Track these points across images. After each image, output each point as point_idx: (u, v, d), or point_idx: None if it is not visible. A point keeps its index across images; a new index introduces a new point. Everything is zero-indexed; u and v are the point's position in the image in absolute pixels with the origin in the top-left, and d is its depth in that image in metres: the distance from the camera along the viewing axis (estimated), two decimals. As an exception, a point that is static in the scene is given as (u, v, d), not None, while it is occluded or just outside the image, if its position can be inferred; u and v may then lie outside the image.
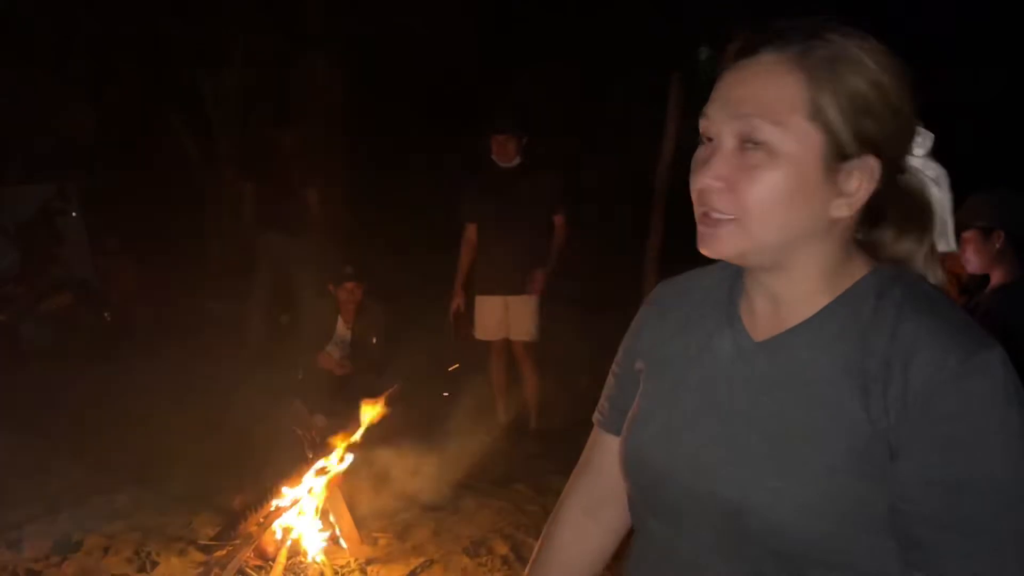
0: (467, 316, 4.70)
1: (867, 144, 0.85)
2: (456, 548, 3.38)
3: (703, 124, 0.89)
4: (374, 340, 4.71)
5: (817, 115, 0.83)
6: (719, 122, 0.87)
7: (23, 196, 7.81)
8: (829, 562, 0.85)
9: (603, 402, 1.15)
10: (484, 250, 4.58)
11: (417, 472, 3.81)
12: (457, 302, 4.69)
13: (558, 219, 4.54)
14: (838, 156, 0.84)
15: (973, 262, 2.60)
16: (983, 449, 0.79)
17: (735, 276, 0.99)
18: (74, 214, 8.01)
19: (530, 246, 4.46)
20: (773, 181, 0.84)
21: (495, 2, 8.32)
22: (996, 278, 2.60)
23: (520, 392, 4.60)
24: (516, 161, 4.46)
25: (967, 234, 2.58)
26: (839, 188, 0.85)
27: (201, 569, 3.13)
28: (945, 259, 1.04)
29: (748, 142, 0.85)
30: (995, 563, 0.79)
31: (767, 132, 0.83)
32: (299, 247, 5.75)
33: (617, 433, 1.07)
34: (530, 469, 4.12)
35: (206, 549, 3.31)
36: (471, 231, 4.61)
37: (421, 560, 3.29)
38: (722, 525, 0.90)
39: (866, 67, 0.84)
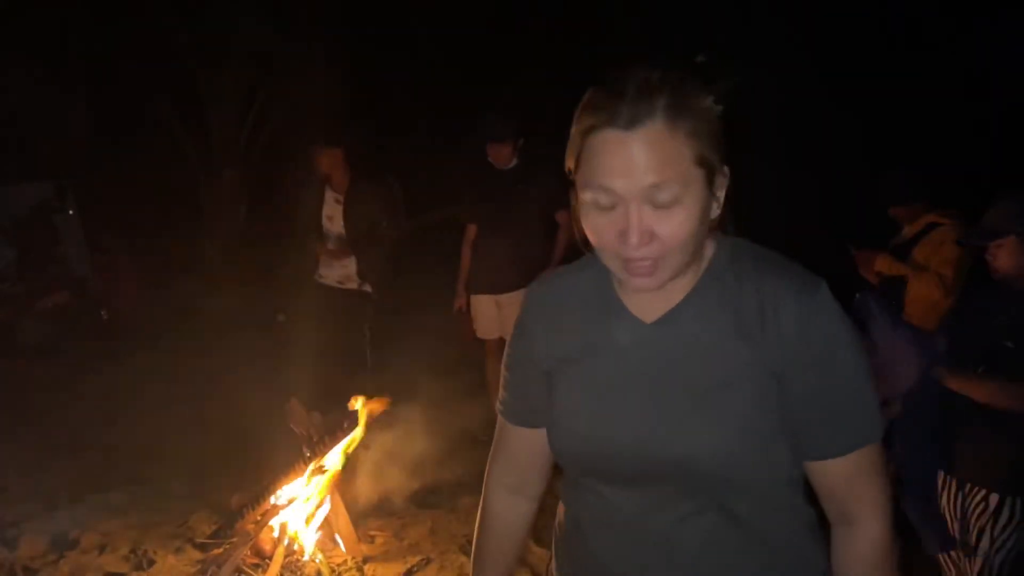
0: (469, 316, 4.72)
1: (723, 158, 1.07)
2: (453, 546, 3.39)
3: (602, 196, 1.03)
4: (385, 224, 4.66)
5: (702, 159, 1.03)
6: (630, 191, 1.01)
7: (21, 195, 7.80)
8: (747, 488, 1.12)
9: (507, 397, 1.32)
10: (478, 251, 4.61)
11: (414, 471, 3.82)
12: (459, 303, 4.72)
13: (561, 217, 4.54)
14: (712, 176, 1.06)
15: (1007, 266, 2.48)
16: (841, 357, 1.08)
17: (596, 276, 1.19)
18: (71, 212, 8.00)
19: (522, 246, 4.46)
20: (686, 221, 1.03)
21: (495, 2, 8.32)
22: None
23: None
24: (513, 163, 4.47)
25: (1002, 240, 2.45)
26: (715, 197, 1.08)
27: (198, 567, 3.14)
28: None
29: (660, 201, 1.02)
30: (853, 421, 1.11)
31: (677, 192, 1.02)
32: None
33: (523, 425, 1.30)
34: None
35: (203, 547, 3.32)
36: (471, 231, 4.64)
37: (418, 559, 3.30)
38: (674, 475, 1.12)
39: (709, 107, 1.04)
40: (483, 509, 1.38)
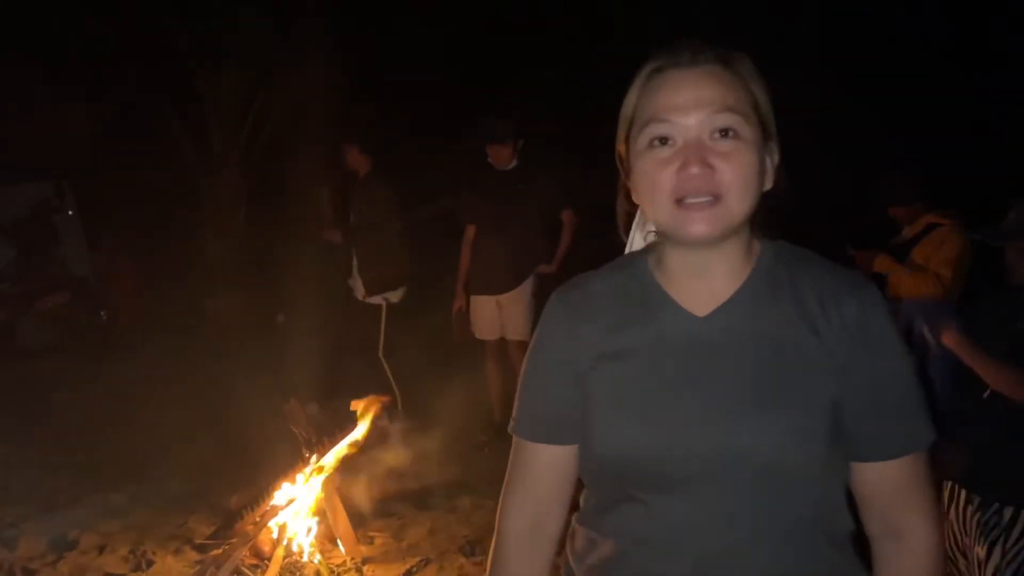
0: (468, 317, 4.72)
1: (773, 127, 1.09)
2: (452, 547, 3.38)
3: (663, 128, 1.05)
4: (388, 219, 4.86)
5: (756, 105, 1.07)
6: (690, 122, 1.03)
7: (20, 195, 7.81)
8: (810, 487, 1.06)
9: (527, 412, 1.21)
10: (478, 251, 4.61)
11: (414, 472, 3.82)
12: (459, 303, 4.72)
13: (566, 215, 4.55)
14: (766, 136, 1.08)
15: None
16: (895, 352, 1.09)
17: (635, 273, 1.16)
18: (71, 213, 8.01)
19: (522, 247, 4.47)
20: (746, 161, 1.04)
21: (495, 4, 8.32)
22: None
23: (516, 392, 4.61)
24: (513, 164, 4.48)
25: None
26: (769, 162, 1.09)
27: (197, 568, 3.13)
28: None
29: (718, 132, 1.03)
30: (910, 421, 1.10)
31: (736, 121, 1.03)
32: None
33: (547, 440, 1.18)
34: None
35: (202, 548, 3.31)
36: (470, 232, 4.64)
37: (417, 559, 3.30)
38: (737, 474, 1.05)
39: (756, 69, 1.09)
40: (495, 553, 1.24)
